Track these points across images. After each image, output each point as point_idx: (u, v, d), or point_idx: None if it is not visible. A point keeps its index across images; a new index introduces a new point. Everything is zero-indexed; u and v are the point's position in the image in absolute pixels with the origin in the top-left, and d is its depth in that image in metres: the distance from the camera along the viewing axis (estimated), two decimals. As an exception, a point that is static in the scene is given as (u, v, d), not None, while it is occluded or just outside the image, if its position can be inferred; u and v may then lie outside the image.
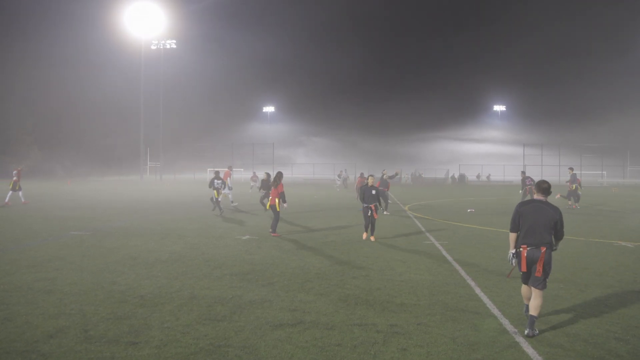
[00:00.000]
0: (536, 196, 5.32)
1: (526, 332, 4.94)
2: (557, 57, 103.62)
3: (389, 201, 19.60)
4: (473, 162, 68.79)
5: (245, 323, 5.24)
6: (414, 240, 11.31)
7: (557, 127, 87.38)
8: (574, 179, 20.82)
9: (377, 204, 11.32)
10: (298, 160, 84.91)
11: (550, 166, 54.87)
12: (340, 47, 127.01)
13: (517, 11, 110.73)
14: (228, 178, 22.03)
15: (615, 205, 22.61)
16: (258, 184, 31.01)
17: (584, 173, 47.93)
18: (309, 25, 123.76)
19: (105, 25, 61.29)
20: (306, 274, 7.59)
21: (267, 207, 12.02)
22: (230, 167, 23.66)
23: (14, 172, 20.65)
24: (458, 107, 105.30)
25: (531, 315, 5.01)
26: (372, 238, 11.12)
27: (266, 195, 17.02)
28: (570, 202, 20.51)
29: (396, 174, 18.60)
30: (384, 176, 17.97)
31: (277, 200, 11.76)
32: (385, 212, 17.03)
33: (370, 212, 11.03)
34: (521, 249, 5.15)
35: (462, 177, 53.01)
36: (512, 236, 5.34)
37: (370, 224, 11.14)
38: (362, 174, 23.86)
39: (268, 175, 17.30)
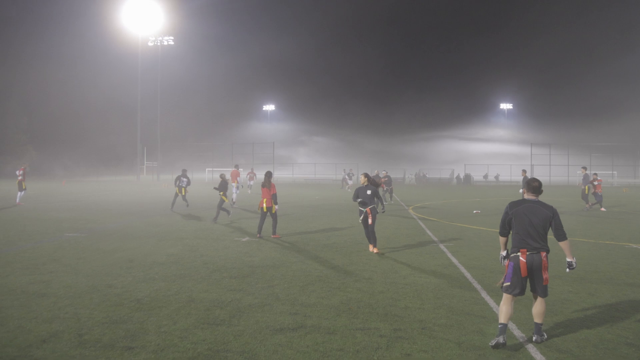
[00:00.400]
0: (527, 196, 5.03)
1: (534, 338, 4.78)
2: (565, 55, 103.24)
3: (385, 202, 19.38)
4: (479, 161, 67.98)
5: (245, 327, 5.13)
6: (418, 242, 11.14)
7: (565, 126, 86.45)
8: (586, 180, 20.30)
9: (375, 206, 9.81)
10: (299, 160, 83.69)
11: (559, 166, 54.32)
12: (343, 44, 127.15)
13: (526, 10, 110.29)
14: (237, 178, 21.97)
15: (630, 206, 22.23)
16: (251, 183, 30.77)
17: (593, 173, 47.18)
18: (310, 22, 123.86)
19: (101, 21, 60.84)
20: (307, 277, 7.46)
21: (262, 209, 11.37)
22: (237, 167, 23.59)
23: (19, 171, 20.66)
24: (463, 106, 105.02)
25: (536, 323, 4.81)
26: (374, 250, 9.55)
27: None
28: (587, 205, 19.67)
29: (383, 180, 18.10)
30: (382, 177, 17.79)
31: (267, 201, 11.23)
32: (382, 210, 16.89)
33: (364, 215, 9.61)
34: (519, 253, 4.77)
35: (467, 177, 52.59)
36: (502, 240, 5.10)
37: (370, 233, 9.60)
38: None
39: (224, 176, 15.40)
